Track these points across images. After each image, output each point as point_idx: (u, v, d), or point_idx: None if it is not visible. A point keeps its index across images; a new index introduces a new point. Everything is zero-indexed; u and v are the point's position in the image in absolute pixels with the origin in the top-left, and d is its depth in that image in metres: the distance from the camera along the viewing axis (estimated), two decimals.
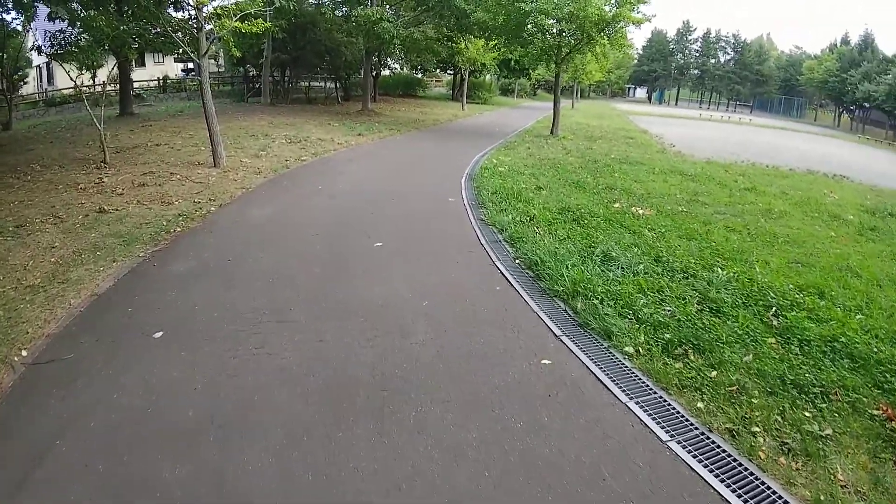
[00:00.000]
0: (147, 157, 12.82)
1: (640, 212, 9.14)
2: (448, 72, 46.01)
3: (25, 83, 26.65)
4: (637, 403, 3.82)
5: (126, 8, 16.27)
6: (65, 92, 25.90)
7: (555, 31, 19.37)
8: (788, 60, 74.92)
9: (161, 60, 36.47)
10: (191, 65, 45.70)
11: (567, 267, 5.99)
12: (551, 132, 21.46)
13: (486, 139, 19.99)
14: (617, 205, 9.46)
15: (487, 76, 45.57)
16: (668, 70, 78.03)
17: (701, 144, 22.47)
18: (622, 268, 6.14)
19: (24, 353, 4.26)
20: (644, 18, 19.26)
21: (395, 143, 17.51)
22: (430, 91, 46.71)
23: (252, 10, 12.37)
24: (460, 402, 3.67)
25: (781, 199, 11.43)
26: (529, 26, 19.66)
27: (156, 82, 32.36)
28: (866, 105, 55.26)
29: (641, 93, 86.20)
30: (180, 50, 15.92)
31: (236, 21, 12.19)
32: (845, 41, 63.44)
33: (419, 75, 45.24)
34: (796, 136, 36.74)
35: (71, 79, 13.20)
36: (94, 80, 14.96)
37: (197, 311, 4.88)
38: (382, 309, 4.98)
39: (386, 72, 39.63)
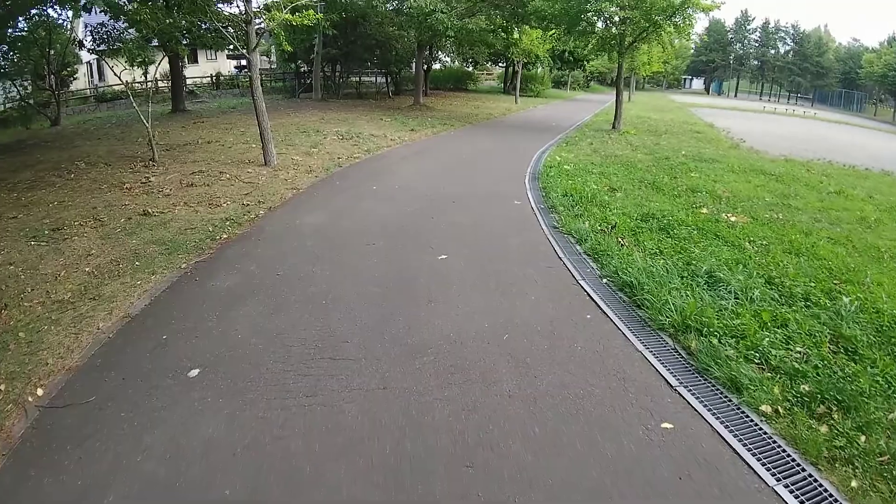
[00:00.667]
0: (197, 154, 12.41)
1: (733, 219, 8.07)
2: (500, 64, 44.95)
3: (75, 79, 26.92)
4: (787, 487, 2.92)
5: (174, 2, 15.96)
6: (115, 88, 26.09)
7: (617, 18, 18.14)
8: (847, 53, 70.64)
9: (214, 57, 36.77)
10: (244, 61, 46.30)
11: (669, 291, 5.06)
12: (613, 126, 20.24)
13: (544, 134, 18.98)
14: (704, 210, 8.40)
15: (540, 68, 44.24)
16: (726, 60, 74.71)
17: (771, 140, 20.93)
18: (734, 293, 5.16)
19: (39, 391, 3.64)
20: (713, 5, 17.92)
21: (449, 139, 16.72)
22: (481, 85, 45.72)
23: (303, 2, 11.74)
24: (566, 486, 2.83)
25: (871, 204, 10.24)
26: (590, 14, 18.56)
27: (208, 79, 32.54)
28: None
29: (698, 84, 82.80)
30: (230, 45, 15.47)
31: (287, 13, 11.61)
32: None
33: (470, 68, 44.32)
34: (860, 131, 34.22)
35: (116, 75, 12.83)
36: (145, 77, 14.67)
37: (239, 342, 4.19)
38: (455, 345, 4.17)
39: (436, 66, 38.90)
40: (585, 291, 5.29)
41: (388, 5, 27.41)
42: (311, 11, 12.52)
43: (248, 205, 8.26)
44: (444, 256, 6.01)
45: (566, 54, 42.52)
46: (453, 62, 43.71)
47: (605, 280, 5.59)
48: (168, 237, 6.77)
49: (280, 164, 11.32)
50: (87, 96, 28.51)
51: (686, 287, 5.27)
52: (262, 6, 11.76)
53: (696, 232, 7.13)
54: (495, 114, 25.52)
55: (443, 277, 5.50)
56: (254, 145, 12.95)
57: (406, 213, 7.83)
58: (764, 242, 7.03)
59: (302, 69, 31.81)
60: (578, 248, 6.53)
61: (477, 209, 8.18)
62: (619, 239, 6.65)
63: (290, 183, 9.78)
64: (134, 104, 12.61)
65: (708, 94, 75.09)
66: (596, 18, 19.55)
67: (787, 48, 71.62)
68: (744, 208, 8.88)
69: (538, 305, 4.93)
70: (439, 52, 35.10)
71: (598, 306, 4.97)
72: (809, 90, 70.65)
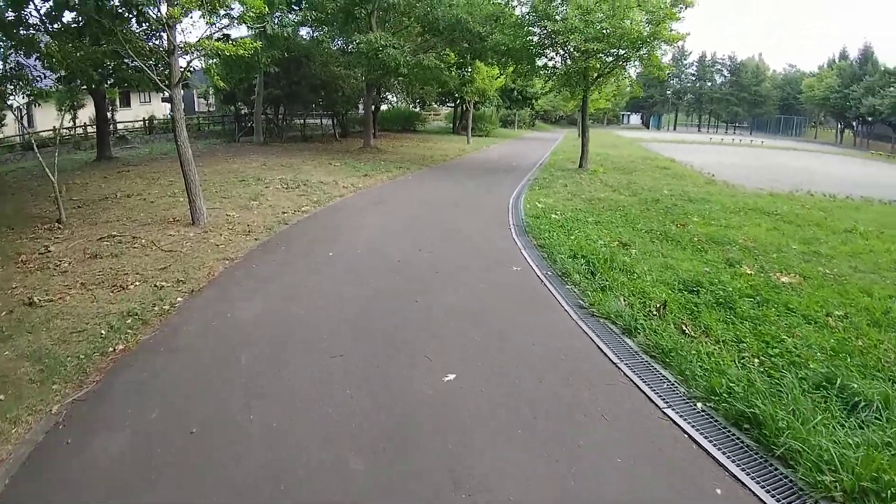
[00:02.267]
0: (112, 212, 10.10)
1: (784, 279, 6.50)
2: (448, 104, 43.88)
3: (4, 125, 24.04)
4: None
5: (86, 31, 13.76)
6: (43, 134, 23.32)
7: (581, 50, 17.02)
8: (784, 79, 73.87)
9: (147, 99, 34.30)
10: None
11: (815, 429, 3.30)
12: (580, 165, 18.97)
13: (510, 176, 17.46)
14: (747, 269, 6.82)
15: (489, 107, 43.42)
16: (664, 95, 76.68)
17: (738, 172, 20.48)
18: (880, 410, 3.51)
19: None
20: (679, 36, 17.10)
21: (409, 185, 14.90)
22: (429, 125, 44.50)
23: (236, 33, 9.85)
24: None
25: (889, 241, 9.28)
26: (555, 46, 17.42)
27: (141, 123, 29.96)
28: (870, 119, 53.66)
29: (635, 119, 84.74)
30: (153, 82, 13.37)
31: (217, 42, 9.70)
32: (844, 56, 62.03)
33: (417, 109, 43.02)
34: (812, 156, 34.98)
35: (14, 121, 10.55)
36: (74, 122, 12.40)
37: None
38: None
39: (384, 106, 37.39)
40: (685, 433, 3.43)
41: (333, 45, 25.85)
42: (248, 40, 10.68)
43: (162, 286, 6.11)
44: (450, 377, 4.01)
45: (514, 93, 41.85)
46: (400, 103, 42.37)
47: (700, 405, 3.76)
48: (47, 347, 4.59)
49: (211, 223, 9.20)
50: (14, 144, 25.55)
51: (818, 409, 3.56)
52: (185, 42, 9.68)
53: (762, 305, 5.48)
54: (450, 155, 24.00)
55: (460, 425, 3.48)
56: (181, 199, 10.75)
57: (379, 294, 5.84)
58: (840, 313, 5.46)
59: (242, 111, 29.64)
60: (630, 342, 4.69)
61: (470, 283, 6.26)
62: (682, 325, 4.88)
63: (221, 250, 7.67)
64: (37, 153, 10.33)
65: (648, 128, 76.69)
66: (555, 54, 18.47)
67: (724, 79, 74.06)
68: (781, 262, 7.40)
69: (632, 475, 3.03)
70: (387, 93, 33.61)
71: (722, 465, 3.11)
72: (747, 119, 73.17)
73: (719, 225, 9.65)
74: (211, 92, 32.24)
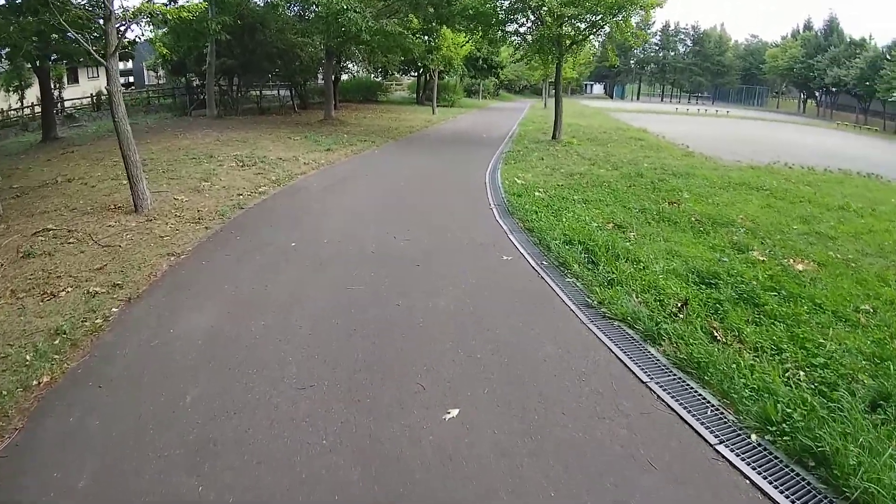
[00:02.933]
0: (52, 200, 8.93)
1: (800, 267, 5.94)
2: (411, 74, 42.43)
3: None
4: None
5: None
6: None
7: (555, 14, 16.13)
8: (747, 49, 74.25)
9: (96, 75, 32.10)
10: (131, 78, 40.82)
11: (886, 464, 2.72)
12: (553, 136, 18.23)
13: (481, 148, 16.64)
14: (758, 255, 6.23)
15: (453, 77, 42.16)
16: (627, 65, 76.28)
17: (712, 143, 20.10)
18: None
19: None
20: (657, 1, 16.41)
21: (375, 159, 13.95)
22: (391, 95, 43.05)
23: None
24: None
25: (885, 220, 8.94)
26: (528, 12, 16.51)
27: (89, 99, 27.91)
28: (833, 90, 54.33)
29: (598, 89, 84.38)
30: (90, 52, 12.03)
31: (158, 5, 8.56)
32: (808, 27, 62.41)
33: (379, 79, 41.44)
34: (780, 126, 35.19)
35: None
36: (21, 103, 11.08)
37: None
38: None
39: (344, 76, 35.79)
40: (745, 477, 2.77)
41: (289, 10, 24.31)
42: (195, 3, 9.51)
43: (96, 293, 5.16)
44: (452, 413, 3.23)
45: (480, 61, 40.68)
46: (361, 72, 40.74)
47: (755, 437, 3.09)
48: None
49: (157, 209, 8.18)
50: None
51: (882, 436, 2.98)
52: (123, 6, 8.48)
53: (789, 301, 4.87)
54: (416, 126, 22.99)
55: (476, 494, 2.74)
56: (125, 181, 9.57)
57: (354, 298, 5.00)
58: (867, 307, 4.93)
59: (194, 82, 27.84)
60: (654, 352, 4.01)
61: (458, 278, 5.47)
62: (712, 329, 4.21)
63: (166, 243, 6.70)
64: None
65: (612, 98, 76.43)
66: (525, 19, 17.56)
67: (687, 49, 73.97)
68: (787, 245, 6.87)
69: None
70: (348, 62, 32.09)
71: None
72: (709, 88, 73.49)
73: (712, 203, 9.08)
74: (160, 63, 30.20)
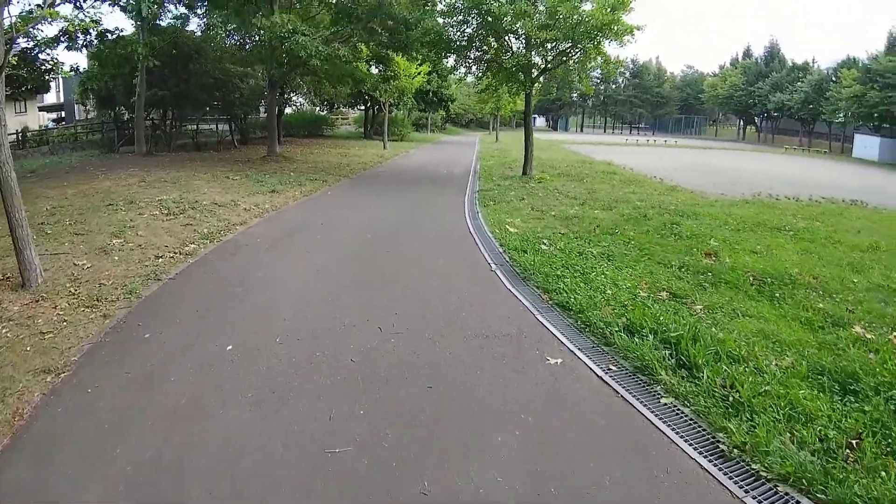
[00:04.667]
0: None
1: None
2: (358, 107, 40.65)
3: None
4: None
5: None
6: None
7: (528, 38, 14.69)
8: (684, 80, 76.32)
9: (23, 109, 28.89)
10: (62, 112, 37.12)
11: None
12: (524, 172, 16.70)
13: (447, 186, 14.91)
14: (865, 333, 4.59)
15: (401, 110, 40.63)
16: (570, 97, 77.08)
17: (681, 175, 19.15)
18: None
19: None
20: (631, 28, 15.22)
21: (330, 203, 11.91)
22: (338, 130, 41.04)
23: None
24: None
25: None
26: (498, 35, 15.03)
27: (14, 136, 24.74)
28: (775, 115, 55.66)
29: (541, 122, 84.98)
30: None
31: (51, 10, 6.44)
32: (748, 54, 64.23)
33: (325, 113, 39.41)
34: (734, 154, 35.31)
35: None
36: None
37: None
38: None
39: (288, 109, 33.62)
40: None
41: (229, 38, 22.25)
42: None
43: None
44: None
45: (430, 94, 39.35)
46: (306, 105, 38.69)
47: None
48: None
49: (51, 282, 5.94)
50: None
51: None
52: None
53: None
54: (369, 162, 21.07)
55: None
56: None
57: (338, 478, 2.95)
58: None
59: (123, 116, 25.07)
60: None
61: (501, 418, 3.40)
62: None
63: (48, 346, 4.46)
64: None
65: (556, 130, 76.94)
66: (496, 43, 16.07)
67: (627, 82, 75.34)
68: (871, 310, 5.32)
69: None
70: (293, 94, 30.04)
71: None
72: (649, 120, 75.00)
73: (749, 252, 7.50)
74: (86, 95, 27.23)
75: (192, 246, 7.72)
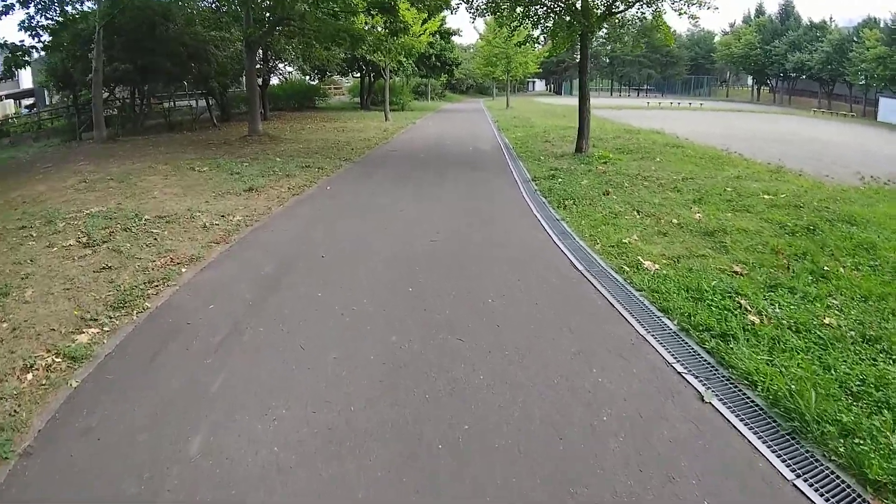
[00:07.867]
0: None
1: None
2: (353, 75, 36.51)
3: None
4: None
5: None
6: None
7: None
8: (691, 39, 72.20)
9: None
10: (31, 99, 32.65)
11: None
12: (579, 149, 13.10)
13: (486, 173, 11.32)
14: None
15: (400, 77, 36.56)
16: (575, 59, 72.80)
17: (750, 145, 15.86)
18: None
19: None
20: None
21: (331, 208, 8.32)
22: (330, 101, 36.98)
23: None
24: None
25: None
26: None
27: None
28: (793, 75, 52.11)
29: (541, 86, 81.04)
30: None
31: None
32: (760, 12, 60.10)
33: (316, 82, 35.22)
34: (768, 118, 32.23)
35: None
36: None
37: None
38: None
39: (275, 80, 29.56)
40: None
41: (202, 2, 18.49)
42: None
43: None
44: None
45: (433, 58, 35.28)
46: (294, 73, 34.57)
47: None
48: None
49: None
50: None
51: None
52: None
53: None
54: (373, 139, 17.38)
55: None
56: None
57: None
58: None
59: (82, 98, 21.27)
60: None
61: None
62: None
63: None
64: None
65: (560, 94, 73.11)
66: None
67: (634, 41, 71.06)
68: None
69: None
70: (278, 61, 26.10)
71: None
72: (659, 80, 71.13)
73: None
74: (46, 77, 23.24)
75: (99, 320, 4.24)
